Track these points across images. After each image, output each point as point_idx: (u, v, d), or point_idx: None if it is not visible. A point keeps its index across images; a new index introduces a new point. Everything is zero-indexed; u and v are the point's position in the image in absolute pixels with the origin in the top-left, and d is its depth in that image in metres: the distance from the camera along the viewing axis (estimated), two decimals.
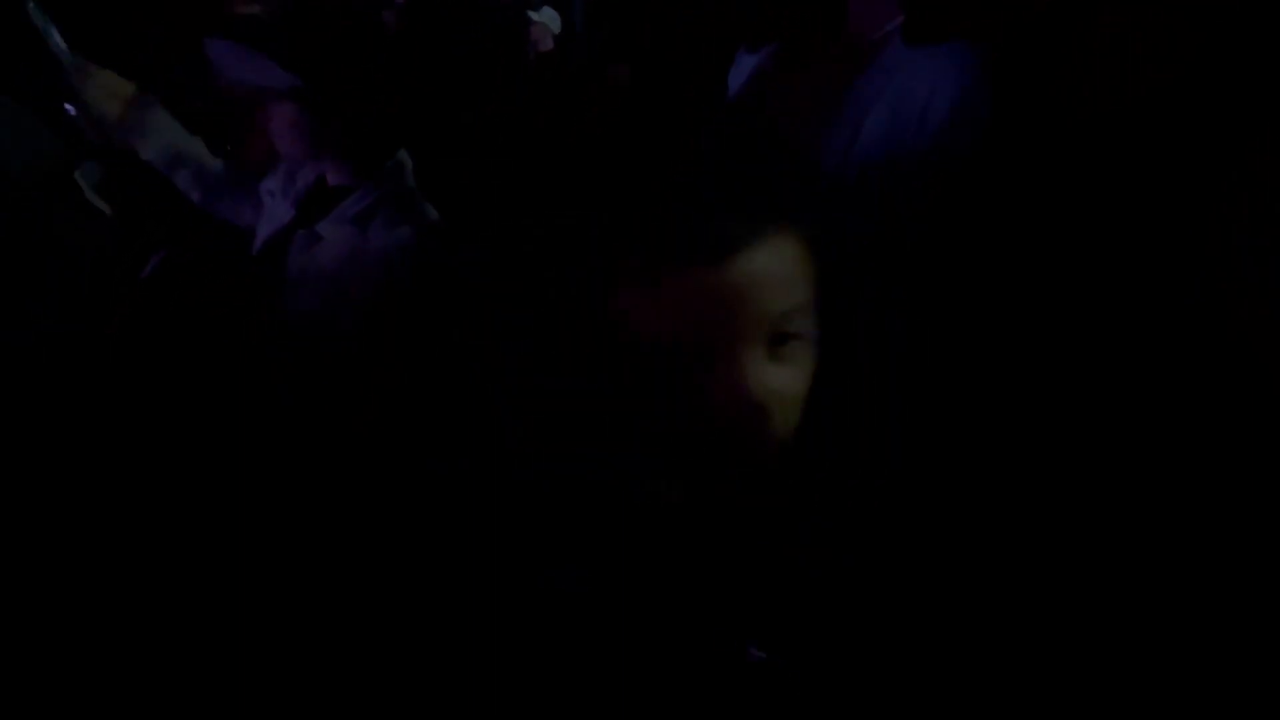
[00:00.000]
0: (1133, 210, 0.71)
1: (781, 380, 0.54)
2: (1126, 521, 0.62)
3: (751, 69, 1.15)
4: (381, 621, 0.59)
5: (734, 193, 0.55)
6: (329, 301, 1.33)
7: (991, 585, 0.60)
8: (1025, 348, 0.76)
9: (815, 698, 0.56)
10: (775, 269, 0.53)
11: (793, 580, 0.57)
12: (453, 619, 0.56)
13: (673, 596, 0.56)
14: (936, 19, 0.91)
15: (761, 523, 0.57)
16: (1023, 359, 0.75)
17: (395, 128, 1.39)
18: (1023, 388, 0.74)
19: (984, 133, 0.86)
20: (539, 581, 0.56)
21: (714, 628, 0.57)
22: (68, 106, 1.40)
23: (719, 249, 0.51)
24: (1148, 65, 0.68)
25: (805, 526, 0.58)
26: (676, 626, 0.56)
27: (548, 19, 2.35)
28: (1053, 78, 0.80)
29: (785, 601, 0.57)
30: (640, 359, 0.51)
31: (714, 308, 0.51)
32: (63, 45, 1.32)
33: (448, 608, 0.57)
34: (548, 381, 0.56)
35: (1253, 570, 0.58)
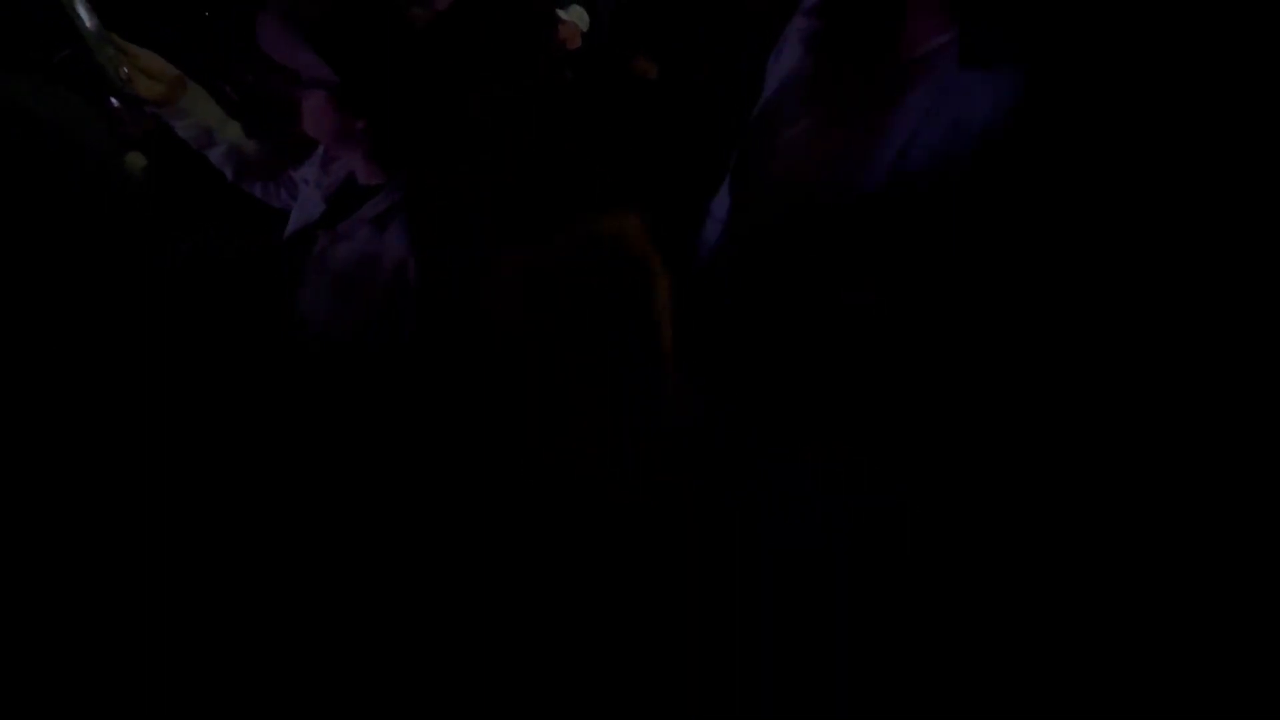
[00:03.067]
0: (1194, 241, 0.72)
1: None
2: (1124, 519, 0.64)
3: (792, 67, 1.12)
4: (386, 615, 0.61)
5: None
6: (340, 301, 1.35)
7: (990, 583, 0.62)
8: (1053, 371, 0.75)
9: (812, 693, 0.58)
10: None
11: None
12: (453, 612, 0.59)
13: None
14: (996, 38, 0.89)
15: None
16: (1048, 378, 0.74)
17: (420, 130, 1.41)
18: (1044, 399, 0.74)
19: (1042, 157, 0.84)
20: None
21: None
22: (111, 100, 1.43)
23: None
24: None
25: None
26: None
27: (576, 17, 2.38)
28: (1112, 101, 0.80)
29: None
30: None
31: None
32: (89, 24, 1.34)
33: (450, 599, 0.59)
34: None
35: (1253, 569, 0.59)
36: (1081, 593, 0.61)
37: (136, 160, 1.58)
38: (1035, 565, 0.61)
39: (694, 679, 0.59)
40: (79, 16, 1.34)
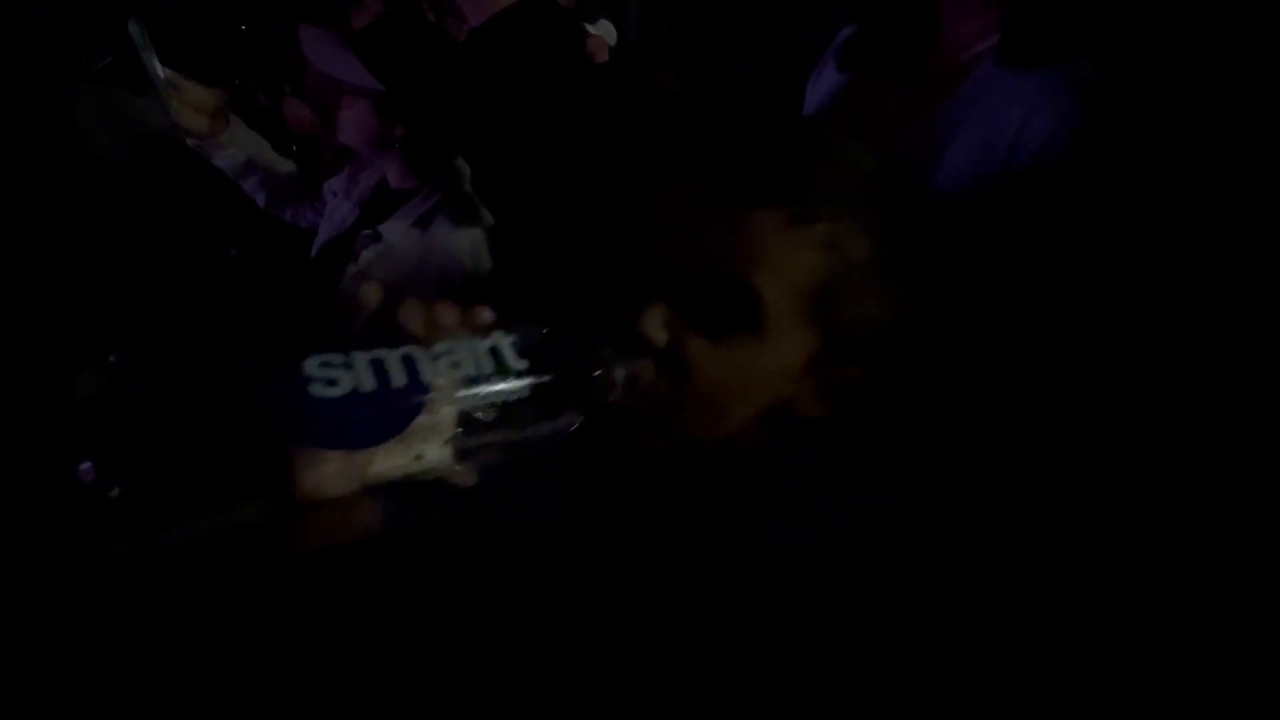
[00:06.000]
0: (1230, 253, 0.71)
1: None
2: (1123, 518, 0.63)
3: (833, 82, 1.12)
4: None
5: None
6: (388, 300, 1.39)
7: (990, 583, 0.61)
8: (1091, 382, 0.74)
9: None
10: None
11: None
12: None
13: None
14: (1033, 44, 0.89)
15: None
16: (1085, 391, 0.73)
17: (455, 136, 1.46)
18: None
19: (1078, 165, 0.83)
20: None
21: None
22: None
23: None
24: None
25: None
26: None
27: (604, 32, 2.41)
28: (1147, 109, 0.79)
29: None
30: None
31: None
32: (157, 66, 1.41)
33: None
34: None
35: (1251, 569, 0.58)
36: (1081, 592, 0.60)
37: None
38: (1035, 565, 0.61)
39: (694, 679, 0.59)
40: (146, 49, 1.40)
